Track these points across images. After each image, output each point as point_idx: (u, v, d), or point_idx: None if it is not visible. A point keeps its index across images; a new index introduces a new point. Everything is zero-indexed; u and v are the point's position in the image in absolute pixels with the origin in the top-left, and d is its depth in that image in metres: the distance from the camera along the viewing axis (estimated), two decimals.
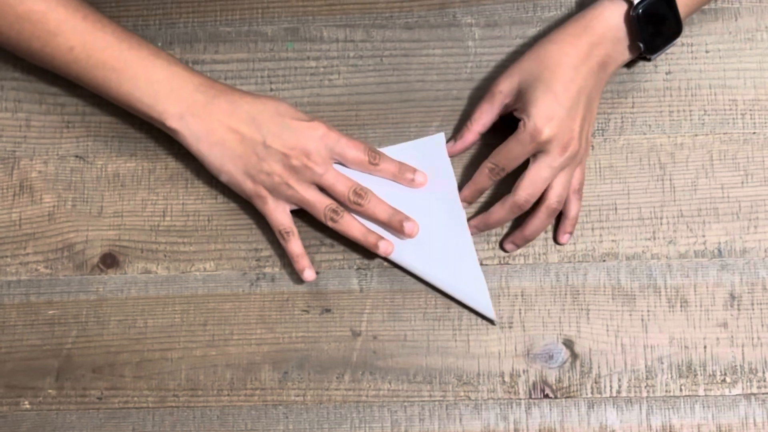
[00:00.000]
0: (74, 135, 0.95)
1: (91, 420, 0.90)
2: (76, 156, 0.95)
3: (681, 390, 0.89)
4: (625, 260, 0.91)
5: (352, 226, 0.89)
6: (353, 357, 0.90)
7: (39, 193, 0.94)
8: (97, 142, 0.95)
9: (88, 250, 0.93)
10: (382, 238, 0.89)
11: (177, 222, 0.93)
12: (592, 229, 0.92)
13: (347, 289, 0.91)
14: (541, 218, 0.88)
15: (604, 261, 0.91)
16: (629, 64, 0.94)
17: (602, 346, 0.90)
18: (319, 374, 0.90)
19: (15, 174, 0.95)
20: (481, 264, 0.91)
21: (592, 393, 0.89)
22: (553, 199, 0.87)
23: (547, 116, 0.84)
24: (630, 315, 0.90)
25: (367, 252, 0.91)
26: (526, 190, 0.86)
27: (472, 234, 0.91)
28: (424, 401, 0.89)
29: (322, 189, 0.89)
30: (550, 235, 0.92)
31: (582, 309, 0.90)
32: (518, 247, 0.91)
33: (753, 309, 0.90)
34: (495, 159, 0.87)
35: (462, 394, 0.89)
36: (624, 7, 0.87)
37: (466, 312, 0.91)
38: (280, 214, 0.89)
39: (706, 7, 0.95)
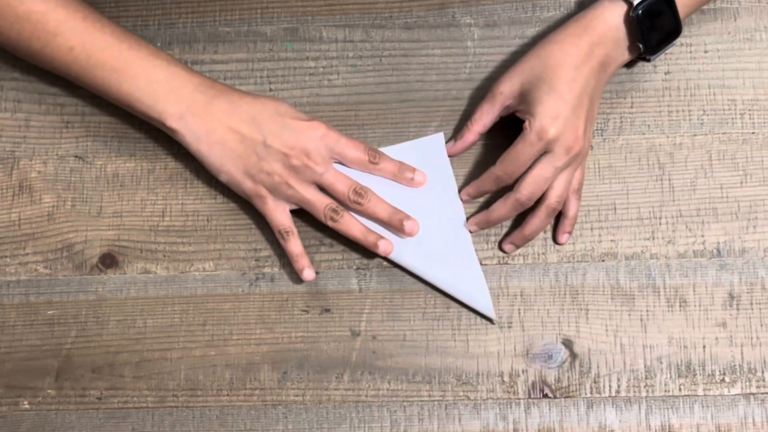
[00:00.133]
0: (74, 135, 0.95)
1: (91, 420, 0.90)
2: (76, 156, 0.95)
3: (680, 390, 0.89)
4: (624, 260, 0.91)
5: (352, 225, 0.89)
6: (352, 357, 0.90)
7: (38, 193, 0.94)
8: (96, 142, 0.95)
9: (87, 250, 0.93)
10: (382, 237, 0.89)
11: (176, 222, 0.93)
12: (591, 229, 0.92)
13: (346, 289, 0.92)
14: (541, 218, 0.88)
15: (603, 261, 0.91)
16: (628, 64, 0.94)
17: (601, 345, 0.90)
18: (319, 374, 0.90)
19: (14, 174, 0.95)
20: (481, 264, 0.91)
21: (591, 393, 0.89)
22: (553, 198, 0.87)
23: (552, 115, 0.84)
24: (629, 315, 0.90)
25: (366, 252, 0.91)
26: (528, 188, 0.86)
27: (472, 231, 0.91)
28: (423, 401, 0.90)
29: (322, 189, 0.89)
30: (549, 235, 0.92)
31: (581, 309, 0.90)
32: (517, 247, 0.91)
33: (752, 309, 0.90)
34: (503, 165, 0.87)
35: (461, 393, 0.89)
36: (624, 7, 0.87)
37: (465, 312, 0.91)
38: (279, 214, 0.89)
39: (705, 7, 0.95)
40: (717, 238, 0.91)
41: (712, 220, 0.92)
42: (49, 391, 0.90)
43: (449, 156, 0.93)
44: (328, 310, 0.91)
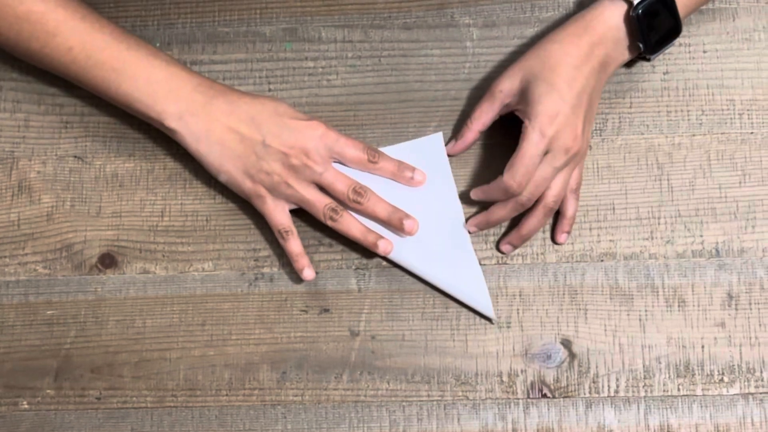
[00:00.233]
0: (73, 135, 0.95)
1: (90, 420, 0.90)
2: (75, 156, 0.95)
3: (679, 390, 0.89)
4: (622, 260, 0.91)
5: (352, 225, 0.89)
6: (352, 357, 0.90)
7: (37, 193, 0.94)
8: (95, 142, 0.95)
9: (86, 250, 0.93)
10: (381, 237, 0.89)
11: (175, 222, 0.93)
12: (590, 229, 0.92)
13: (346, 289, 0.92)
14: (538, 217, 0.88)
15: (602, 261, 0.91)
16: (627, 64, 0.94)
17: (600, 345, 0.90)
18: (318, 374, 0.90)
19: (14, 174, 0.95)
20: (480, 264, 0.91)
21: (590, 393, 0.89)
22: (550, 198, 0.87)
23: (552, 114, 0.84)
24: (628, 315, 0.90)
25: (365, 252, 0.91)
26: (529, 189, 0.86)
27: (472, 232, 0.91)
28: (422, 401, 0.90)
29: (322, 189, 0.89)
30: (547, 235, 0.92)
31: (580, 309, 0.91)
32: (515, 247, 0.91)
33: (750, 309, 0.90)
34: (511, 172, 0.84)
35: (460, 393, 0.89)
36: (624, 7, 0.87)
37: (464, 312, 0.91)
38: (279, 214, 0.89)
39: (704, 7, 0.95)
40: (715, 238, 0.91)
41: (711, 220, 0.92)
42: (48, 391, 0.90)
43: (450, 156, 0.93)
44: (327, 310, 0.91)
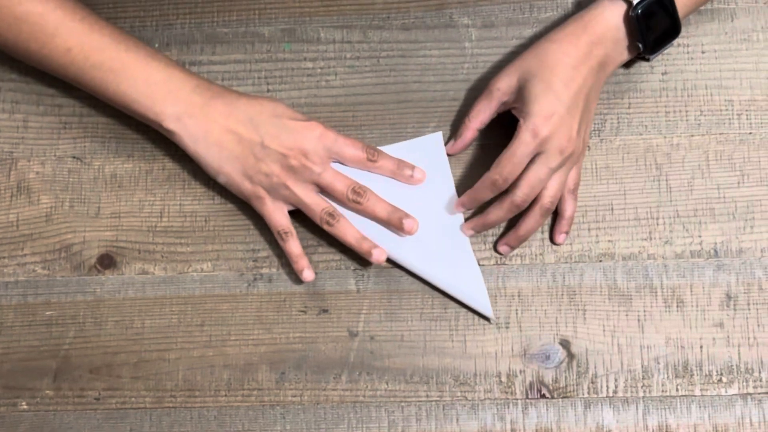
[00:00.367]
0: (71, 136, 0.95)
1: (89, 420, 0.90)
2: (74, 157, 0.95)
3: (677, 390, 0.89)
4: (621, 260, 0.91)
5: (348, 231, 0.89)
6: (350, 357, 0.90)
7: (36, 194, 0.94)
8: (94, 143, 0.95)
9: (85, 251, 0.93)
10: (375, 246, 0.89)
11: (174, 223, 0.93)
12: (589, 229, 0.92)
13: (344, 290, 0.92)
14: (535, 218, 0.88)
15: (600, 261, 0.91)
16: (626, 65, 0.94)
17: (599, 346, 0.90)
18: (317, 374, 0.90)
19: (12, 175, 0.95)
20: (478, 264, 0.91)
21: (588, 393, 0.89)
22: (547, 199, 0.87)
23: (547, 114, 0.84)
24: (626, 315, 0.90)
25: None
26: (523, 190, 0.86)
27: (468, 235, 0.91)
28: (421, 401, 0.90)
29: (322, 190, 0.89)
30: (546, 235, 0.92)
31: (578, 309, 0.91)
32: (512, 248, 0.91)
33: (749, 309, 0.90)
34: (498, 168, 0.86)
35: (459, 394, 0.90)
36: (623, 7, 0.87)
37: (463, 312, 0.91)
38: (278, 215, 0.89)
39: (702, 7, 0.95)
40: (714, 238, 0.91)
41: (710, 221, 0.92)
42: (47, 391, 0.91)
43: (450, 155, 0.93)
44: (326, 311, 0.91)
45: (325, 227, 0.89)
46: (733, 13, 0.95)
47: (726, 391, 0.89)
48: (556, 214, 0.91)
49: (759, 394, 0.89)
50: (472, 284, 0.90)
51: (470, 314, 0.91)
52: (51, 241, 0.93)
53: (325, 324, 0.91)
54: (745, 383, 0.89)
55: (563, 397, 0.89)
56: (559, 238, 0.91)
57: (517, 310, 0.91)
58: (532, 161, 0.86)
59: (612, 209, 0.92)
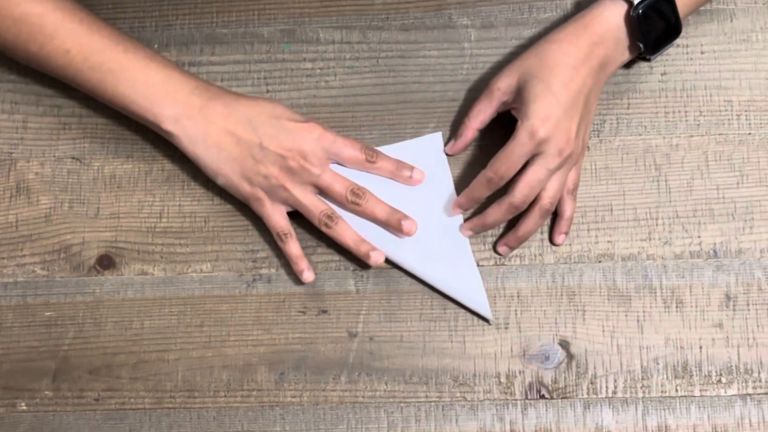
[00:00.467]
0: (71, 137, 0.95)
1: (88, 421, 0.90)
2: (73, 158, 0.95)
3: (677, 390, 0.89)
4: (620, 261, 0.91)
5: (346, 233, 0.89)
6: (350, 358, 0.90)
7: (36, 194, 0.94)
8: (93, 143, 0.95)
9: (84, 251, 0.93)
10: (374, 248, 0.89)
11: (174, 223, 0.93)
12: (588, 230, 0.92)
13: (344, 291, 0.92)
14: (534, 219, 0.88)
15: (599, 262, 0.91)
16: (626, 65, 0.94)
17: (598, 346, 0.90)
18: (316, 375, 0.90)
19: (12, 176, 0.95)
20: (477, 265, 0.91)
21: (587, 394, 0.89)
22: (546, 200, 0.87)
23: (544, 116, 0.84)
24: (626, 316, 0.90)
25: None
26: (522, 191, 0.86)
27: (467, 236, 0.91)
28: (420, 402, 0.90)
29: (321, 191, 0.89)
30: (545, 236, 0.92)
31: (578, 310, 0.91)
32: (512, 249, 0.91)
33: (748, 310, 0.90)
34: (494, 167, 0.86)
35: (458, 394, 0.90)
36: (624, 7, 0.87)
37: (462, 313, 0.91)
38: (277, 217, 0.89)
39: (702, 8, 0.95)
40: (713, 239, 0.91)
41: (709, 221, 0.92)
42: (47, 392, 0.91)
43: (450, 155, 0.93)
44: (325, 312, 0.91)
45: (323, 229, 0.89)
46: (732, 13, 0.95)
47: (725, 392, 0.89)
48: (555, 215, 0.91)
49: (758, 394, 0.89)
50: (470, 285, 0.90)
51: (469, 315, 0.91)
52: (50, 242, 0.93)
53: (325, 325, 0.91)
54: (744, 384, 0.89)
55: (562, 398, 0.89)
56: (559, 238, 0.91)
57: (516, 310, 0.91)
58: (530, 162, 0.86)
59: (611, 210, 0.92)
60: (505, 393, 0.89)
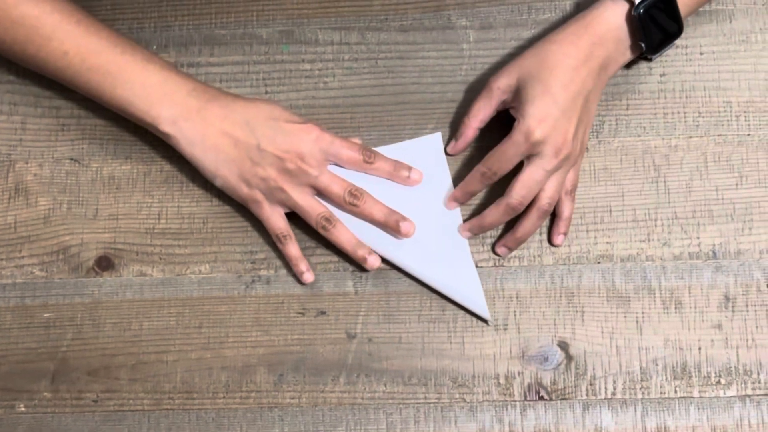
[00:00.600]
0: (69, 138, 0.95)
1: (87, 423, 0.90)
2: (72, 159, 0.95)
3: (676, 392, 0.89)
4: (619, 262, 0.91)
5: (343, 236, 0.89)
6: (348, 359, 0.90)
7: (34, 196, 0.94)
8: (92, 144, 0.95)
9: (83, 252, 0.93)
10: (371, 252, 0.89)
11: (172, 225, 0.93)
12: (587, 231, 0.92)
13: (342, 292, 0.92)
14: (533, 220, 0.88)
15: (598, 263, 0.91)
16: (625, 66, 0.94)
17: (597, 347, 0.90)
18: (315, 376, 0.90)
19: (10, 177, 0.95)
20: (476, 266, 0.91)
21: (587, 395, 0.89)
22: (544, 201, 0.87)
23: (541, 117, 0.84)
24: (625, 317, 0.90)
25: None
26: (519, 192, 0.86)
27: (466, 238, 0.91)
28: (419, 403, 0.90)
29: (319, 193, 0.89)
30: (544, 237, 0.92)
31: (577, 311, 0.90)
32: (510, 250, 0.91)
33: (747, 311, 0.90)
34: (488, 162, 0.87)
35: (457, 396, 0.89)
36: (625, 7, 0.87)
37: (461, 314, 0.91)
38: (276, 218, 0.89)
39: (701, 9, 0.95)
40: (712, 240, 0.91)
41: (708, 222, 0.92)
42: (45, 393, 0.90)
43: (451, 155, 0.93)
44: (323, 313, 0.91)
45: (321, 232, 0.89)
46: (732, 14, 0.95)
47: (724, 393, 0.89)
48: (554, 216, 0.91)
49: (757, 395, 0.89)
50: (469, 286, 0.90)
51: (468, 316, 0.91)
52: (49, 243, 0.93)
53: (323, 326, 0.91)
54: (743, 385, 0.89)
55: (562, 399, 0.89)
56: (557, 239, 0.91)
57: (515, 311, 0.91)
58: (527, 163, 0.86)
59: (610, 211, 0.92)
60: (504, 394, 0.89)
